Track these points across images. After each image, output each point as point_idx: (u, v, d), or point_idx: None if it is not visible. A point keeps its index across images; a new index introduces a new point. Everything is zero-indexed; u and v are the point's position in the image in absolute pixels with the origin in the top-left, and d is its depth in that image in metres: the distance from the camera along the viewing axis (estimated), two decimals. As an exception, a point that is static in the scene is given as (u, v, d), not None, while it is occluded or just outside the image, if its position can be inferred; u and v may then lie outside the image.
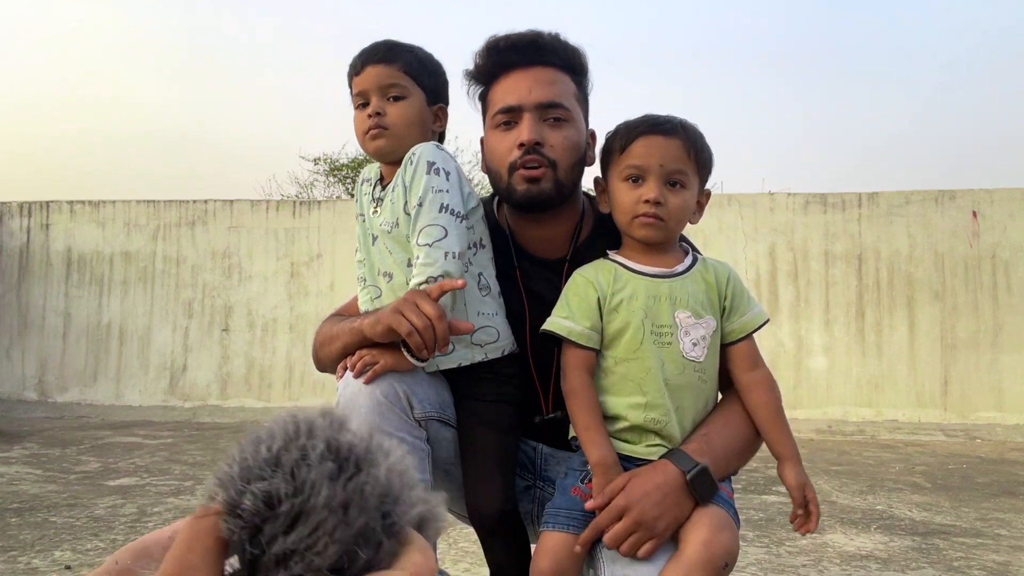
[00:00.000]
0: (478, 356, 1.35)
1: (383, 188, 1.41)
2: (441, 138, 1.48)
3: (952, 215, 6.85)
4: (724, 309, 1.30)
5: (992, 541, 2.86)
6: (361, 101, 1.41)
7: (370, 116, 1.38)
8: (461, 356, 1.35)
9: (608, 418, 1.26)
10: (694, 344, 1.26)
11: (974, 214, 6.83)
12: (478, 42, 1.45)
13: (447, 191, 1.30)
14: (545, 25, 1.44)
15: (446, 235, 1.26)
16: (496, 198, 1.54)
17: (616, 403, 1.26)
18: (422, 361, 1.27)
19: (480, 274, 1.38)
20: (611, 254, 1.35)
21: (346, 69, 1.44)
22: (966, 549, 2.73)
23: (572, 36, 1.43)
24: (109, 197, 7.93)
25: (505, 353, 1.38)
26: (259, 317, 7.57)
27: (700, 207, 1.35)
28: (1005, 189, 6.85)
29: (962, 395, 6.65)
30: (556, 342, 1.31)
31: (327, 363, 1.44)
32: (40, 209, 7.93)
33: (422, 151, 1.32)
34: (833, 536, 2.91)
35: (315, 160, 15.05)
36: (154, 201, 7.85)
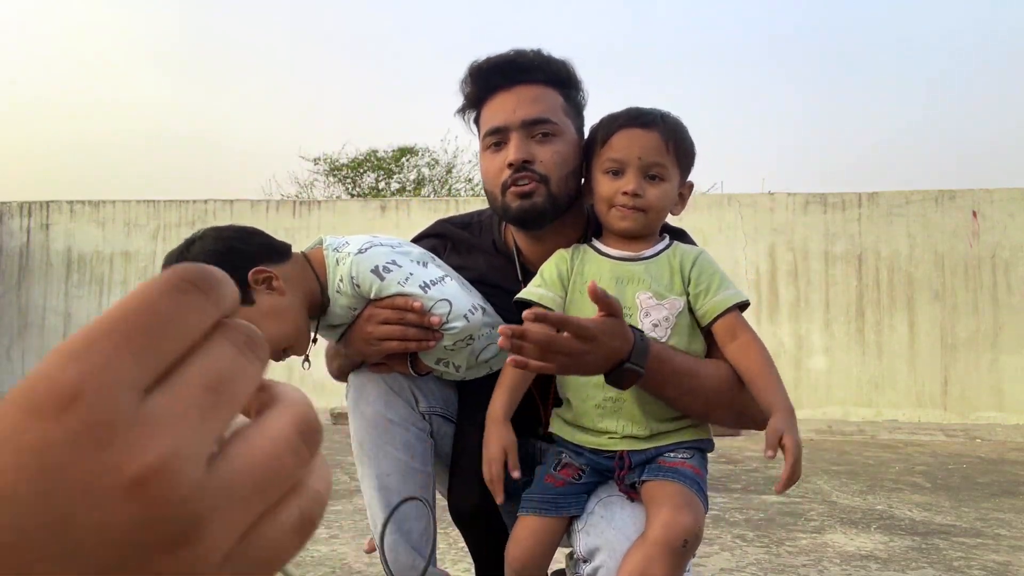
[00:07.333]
0: (484, 371, 1.40)
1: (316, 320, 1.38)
2: None
3: (952, 215, 6.85)
4: (690, 292, 1.27)
5: (992, 541, 2.86)
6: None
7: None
8: (466, 375, 1.39)
9: (568, 402, 1.28)
10: (654, 325, 1.24)
11: (974, 214, 6.83)
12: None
13: (411, 273, 1.28)
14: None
15: (451, 306, 1.27)
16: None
17: (576, 384, 1.27)
18: (421, 373, 1.36)
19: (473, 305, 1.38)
20: (593, 240, 1.36)
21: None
22: (966, 549, 2.73)
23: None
24: (109, 197, 7.94)
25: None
26: (259, 317, 7.57)
27: (683, 198, 1.35)
28: (1005, 189, 6.85)
29: (962, 395, 6.65)
30: None
31: (336, 377, 1.52)
32: (40, 209, 7.93)
33: (356, 270, 1.29)
34: (833, 536, 2.91)
35: (315, 160, 15.08)
36: (154, 201, 7.85)
